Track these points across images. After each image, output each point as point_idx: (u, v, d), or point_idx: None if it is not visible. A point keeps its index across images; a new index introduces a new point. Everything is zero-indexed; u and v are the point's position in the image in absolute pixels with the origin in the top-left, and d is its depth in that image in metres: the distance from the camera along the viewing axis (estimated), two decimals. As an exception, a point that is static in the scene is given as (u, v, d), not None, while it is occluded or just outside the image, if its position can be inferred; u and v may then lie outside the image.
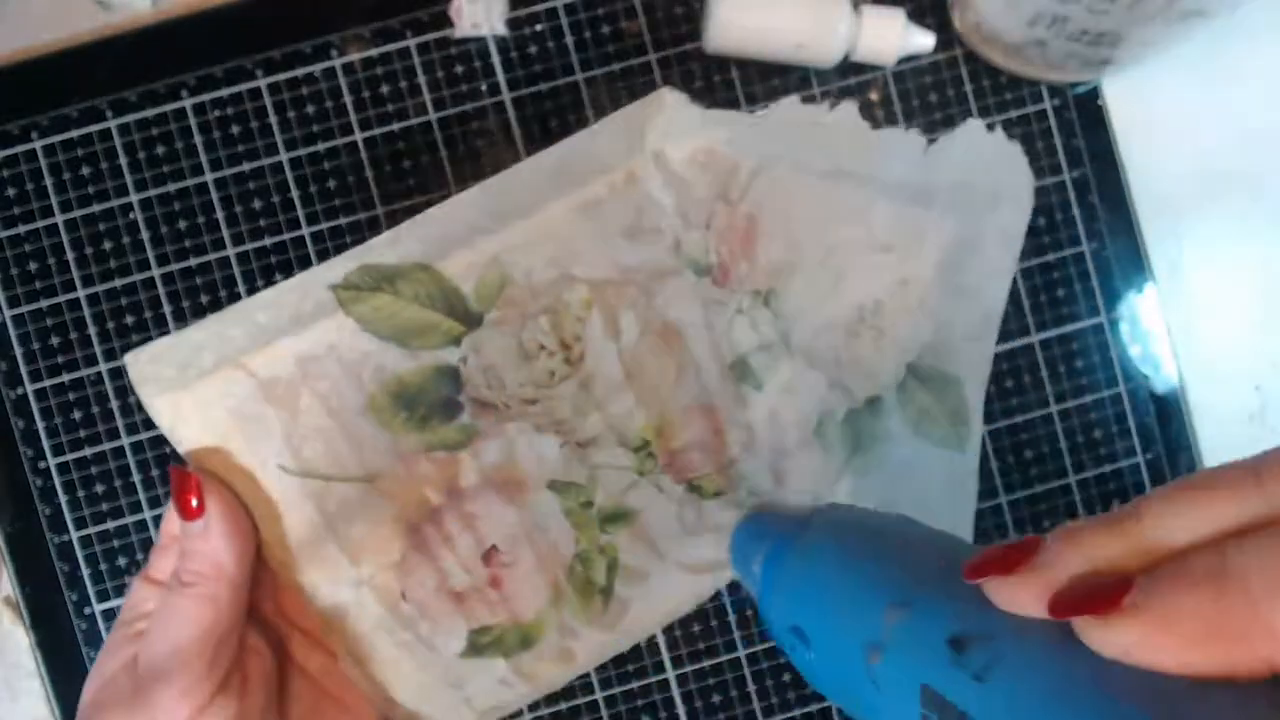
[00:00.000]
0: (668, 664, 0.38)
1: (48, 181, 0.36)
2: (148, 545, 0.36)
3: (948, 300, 0.36)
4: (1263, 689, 0.13)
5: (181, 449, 0.32)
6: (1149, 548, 0.15)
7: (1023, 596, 0.16)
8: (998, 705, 0.16)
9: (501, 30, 0.36)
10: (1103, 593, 0.15)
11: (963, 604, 0.17)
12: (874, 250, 0.35)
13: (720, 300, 0.35)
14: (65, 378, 0.36)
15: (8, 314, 0.36)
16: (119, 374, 0.36)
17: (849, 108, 0.36)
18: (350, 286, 0.31)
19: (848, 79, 0.37)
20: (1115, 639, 0.14)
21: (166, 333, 0.35)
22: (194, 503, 0.29)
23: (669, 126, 0.33)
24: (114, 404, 0.36)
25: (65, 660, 0.36)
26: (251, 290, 0.36)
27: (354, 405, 0.32)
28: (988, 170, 0.36)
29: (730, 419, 0.35)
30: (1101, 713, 0.14)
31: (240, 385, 0.31)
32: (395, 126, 0.36)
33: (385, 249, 0.31)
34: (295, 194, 0.36)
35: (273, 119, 0.36)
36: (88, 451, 0.36)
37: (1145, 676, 0.14)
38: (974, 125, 0.36)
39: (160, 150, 0.36)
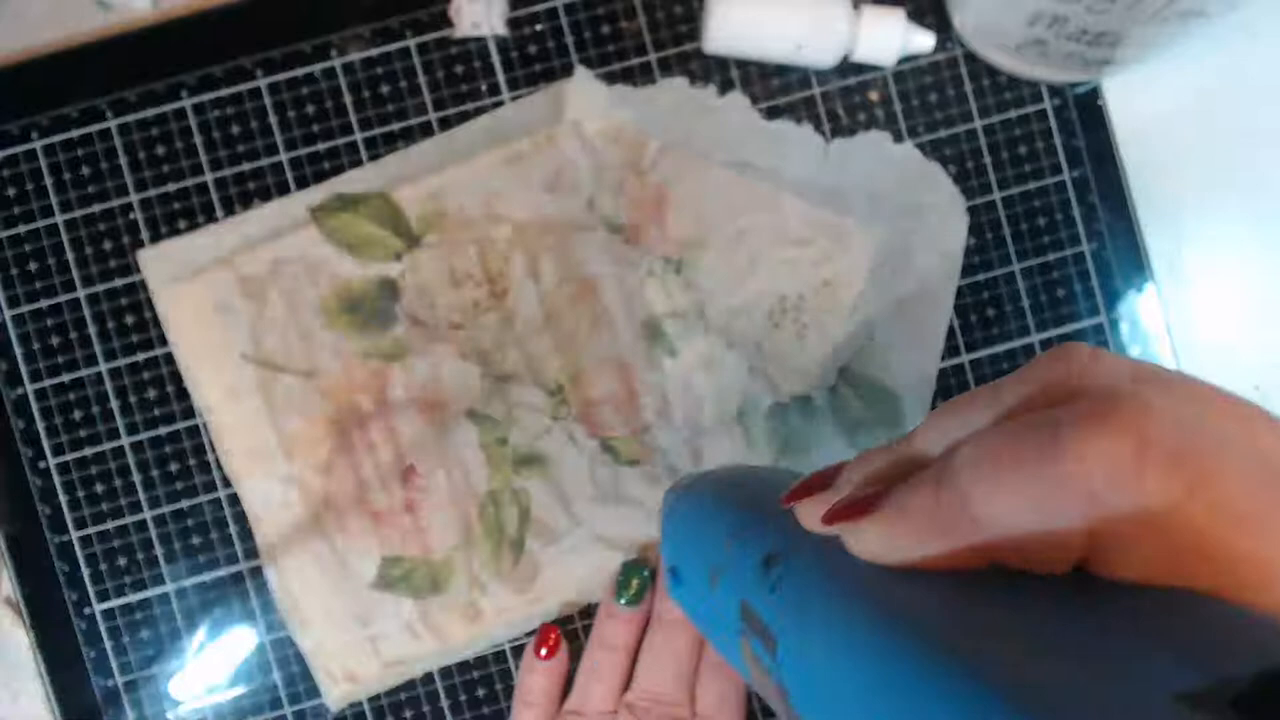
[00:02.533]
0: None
1: (48, 181, 0.36)
2: (148, 545, 0.36)
3: (884, 311, 0.37)
4: (974, 576, 0.14)
5: (170, 334, 0.36)
6: (912, 461, 0.16)
7: (814, 514, 0.17)
8: (785, 610, 0.17)
9: (501, 30, 0.36)
10: (860, 502, 0.16)
11: (778, 530, 0.19)
12: (788, 242, 0.37)
13: (632, 260, 0.37)
14: (65, 378, 0.36)
15: (8, 314, 0.36)
16: (119, 374, 0.36)
17: (737, 97, 0.37)
18: (323, 207, 0.36)
19: (848, 79, 0.37)
20: (863, 540, 0.16)
21: (165, 334, 0.36)
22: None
23: (582, 102, 0.36)
24: (114, 404, 0.36)
25: (65, 660, 0.36)
26: (251, 290, 0.36)
27: (310, 303, 0.36)
28: (903, 184, 0.37)
29: (643, 381, 0.37)
30: (851, 609, 0.15)
31: (224, 280, 0.36)
32: (395, 126, 0.36)
33: (354, 180, 0.36)
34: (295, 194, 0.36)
35: (273, 119, 0.36)
36: (88, 451, 0.36)
37: (883, 574, 0.15)
38: (877, 136, 0.37)
39: (160, 150, 0.36)
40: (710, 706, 0.35)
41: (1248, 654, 0.10)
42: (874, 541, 0.16)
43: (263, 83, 0.36)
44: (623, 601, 0.35)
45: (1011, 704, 0.11)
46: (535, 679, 0.36)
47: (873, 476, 0.17)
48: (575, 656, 0.36)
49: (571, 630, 0.37)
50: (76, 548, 0.36)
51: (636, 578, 0.35)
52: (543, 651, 0.36)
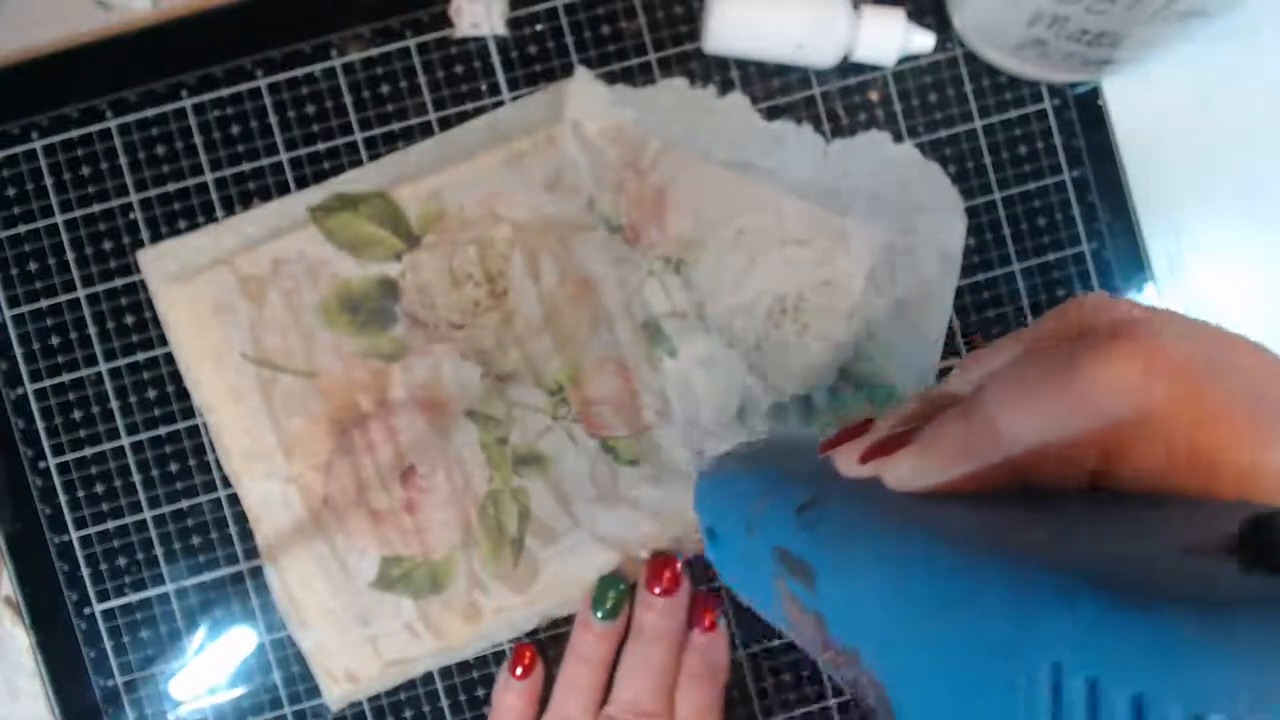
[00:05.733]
0: (668, 664, 0.38)
1: (48, 181, 0.36)
2: (148, 545, 0.36)
3: (884, 311, 0.37)
4: (998, 495, 0.16)
5: (170, 334, 0.36)
6: (942, 401, 0.18)
7: (851, 457, 0.19)
8: (822, 546, 0.19)
9: (501, 30, 0.36)
10: (896, 437, 0.18)
11: (811, 481, 0.21)
12: (786, 242, 0.37)
13: (632, 260, 0.37)
14: (65, 378, 0.36)
15: (8, 314, 0.36)
16: (119, 374, 0.36)
17: (737, 97, 0.37)
18: (322, 207, 0.36)
19: (848, 79, 0.37)
20: (895, 470, 0.17)
21: (165, 334, 0.36)
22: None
23: (582, 101, 0.36)
24: (114, 404, 0.36)
25: (65, 660, 0.36)
26: (251, 290, 0.36)
27: (310, 303, 0.36)
28: (904, 184, 0.37)
29: (643, 381, 0.37)
30: (886, 531, 0.17)
31: (224, 280, 0.36)
32: (395, 126, 0.36)
33: (353, 180, 0.36)
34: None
35: (273, 119, 0.36)
36: (88, 451, 0.36)
37: (918, 500, 0.17)
38: (877, 136, 0.37)
39: (160, 150, 0.36)
40: (689, 715, 0.35)
41: (1236, 516, 0.12)
42: (908, 470, 0.17)
43: (263, 83, 0.36)
44: (599, 615, 0.35)
45: (1048, 569, 0.12)
46: (510, 698, 0.36)
47: (906, 417, 0.18)
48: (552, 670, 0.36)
49: (536, 649, 0.37)
50: (76, 548, 0.36)
51: (613, 591, 0.35)
52: (518, 671, 0.36)
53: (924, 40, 0.36)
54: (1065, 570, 0.12)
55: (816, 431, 0.26)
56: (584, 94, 0.36)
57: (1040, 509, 0.15)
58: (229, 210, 0.36)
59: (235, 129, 0.36)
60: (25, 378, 0.36)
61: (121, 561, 0.36)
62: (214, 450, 0.36)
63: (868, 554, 0.17)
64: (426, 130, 0.37)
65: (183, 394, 0.36)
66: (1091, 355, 0.14)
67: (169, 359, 0.36)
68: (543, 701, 0.36)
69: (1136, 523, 0.13)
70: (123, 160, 0.36)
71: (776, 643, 0.38)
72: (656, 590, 0.35)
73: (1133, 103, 0.38)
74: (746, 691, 0.38)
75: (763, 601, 0.23)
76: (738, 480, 0.26)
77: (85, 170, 0.36)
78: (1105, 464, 0.15)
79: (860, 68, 0.37)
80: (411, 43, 0.36)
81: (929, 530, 0.15)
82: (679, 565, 0.36)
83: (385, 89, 0.36)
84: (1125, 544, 0.13)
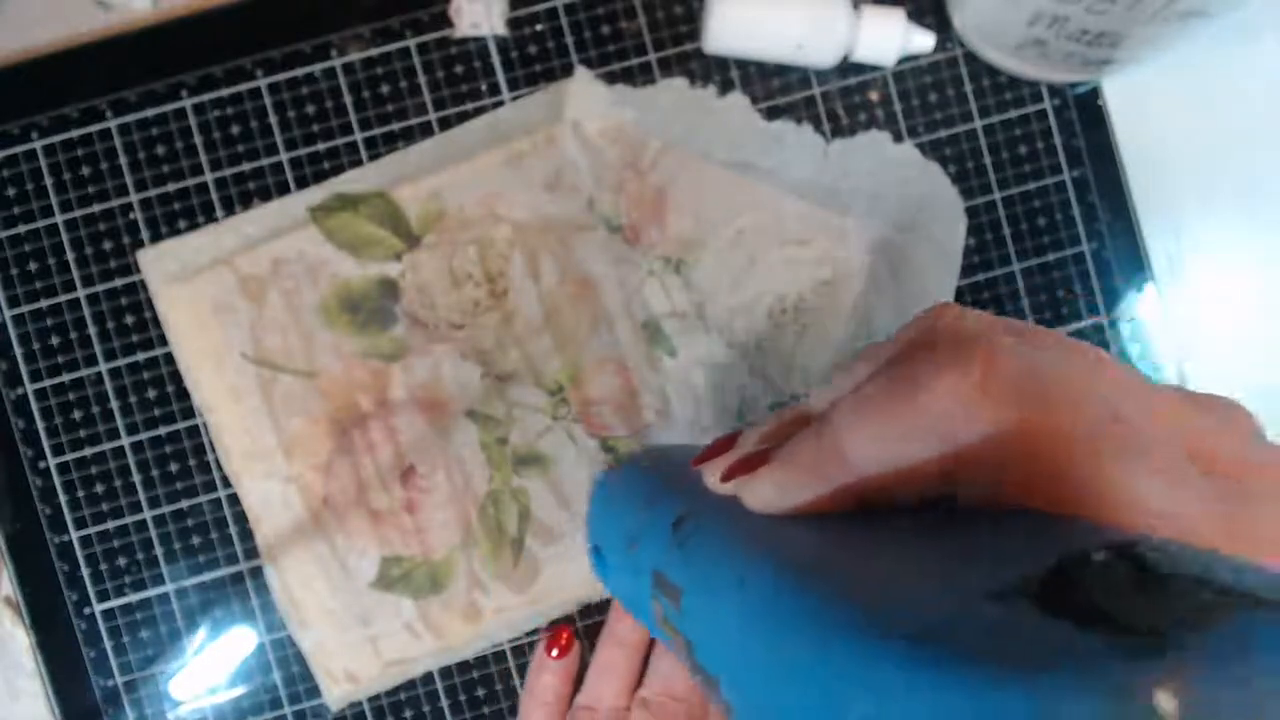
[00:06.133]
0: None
1: (48, 181, 0.36)
2: (148, 545, 0.36)
3: (885, 311, 0.37)
4: (852, 516, 0.16)
5: (170, 334, 0.36)
6: (802, 419, 0.18)
7: (716, 473, 0.19)
8: (689, 564, 0.19)
9: (501, 30, 0.36)
10: (753, 457, 0.17)
11: (688, 494, 0.21)
12: (786, 242, 0.37)
13: (632, 260, 0.37)
14: (65, 378, 0.36)
15: (8, 314, 0.36)
16: (119, 374, 0.36)
17: (737, 97, 0.37)
18: (322, 207, 0.36)
19: (848, 79, 0.37)
20: (755, 492, 0.17)
21: (165, 334, 0.36)
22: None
23: (582, 101, 0.37)
24: (114, 404, 0.36)
25: (65, 660, 0.36)
26: (251, 290, 0.36)
27: (310, 303, 0.36)
28: (905, 183, 0.37)
29: (643, 381, 0.37)
30: (740, 554, 0.16)
31: (224, 280, 0.36)
32: (395, 126, 0.36)
33: (353, 180, 0.36)
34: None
35: (273, 119, 0.36)
36: (88, 451, 0.36)
37: (775, 521, 0.17)
38: (877, 136, 0.37)
39: (160, 150, 0.36)
40: None
41: (1053, 554, 0.11)
42: (765, 490, 0.17)
43: (263, 83, 0.36)
44: None
45: (857, 612, 0.12)
46: (546, 678, 0.36)
47: (767, 435, 0.18)
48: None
49: (573, 630, 0.37)
50: (76, 548, 0.36)
51: None
52: (554, 652, 0.36)
53: (924, 40, 0.36)
54: (878, 620, 0.12)
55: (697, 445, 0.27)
56: (584, 94, 0.36)
57: (879, 534, 0.15)
58: (229, 210, 0.36)
59: (235, 129, 0.36)
60: (25, 378, 0.36)
61: (121, 561, 0.36)
62: (214, 450, 0.36)
63: (728, 577, 0.16)
64: (426, 130, 0.37)
65: (183, 394, 0.36)
66: (929, 369, 0.14)
67: (169, 359, 0.36)
68: (577, 683, 0.36)
69: (959, 554, 0.13)
70: (123, 160, 0.36)
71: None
72: None
73: (1133, 103, 0.38)
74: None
75: (647, 619, 0.22)
76: (624, 487, 0.26)
77: (85, 170, 0.36)
78: (947, 483, 0.15)
79: (860, 68, 0.37)
80: (411, 43, 0.36)
81: (776, 556, 0.15)
82: None
83: (385, 89, 0.36)
84: (935, 585, 0.12)
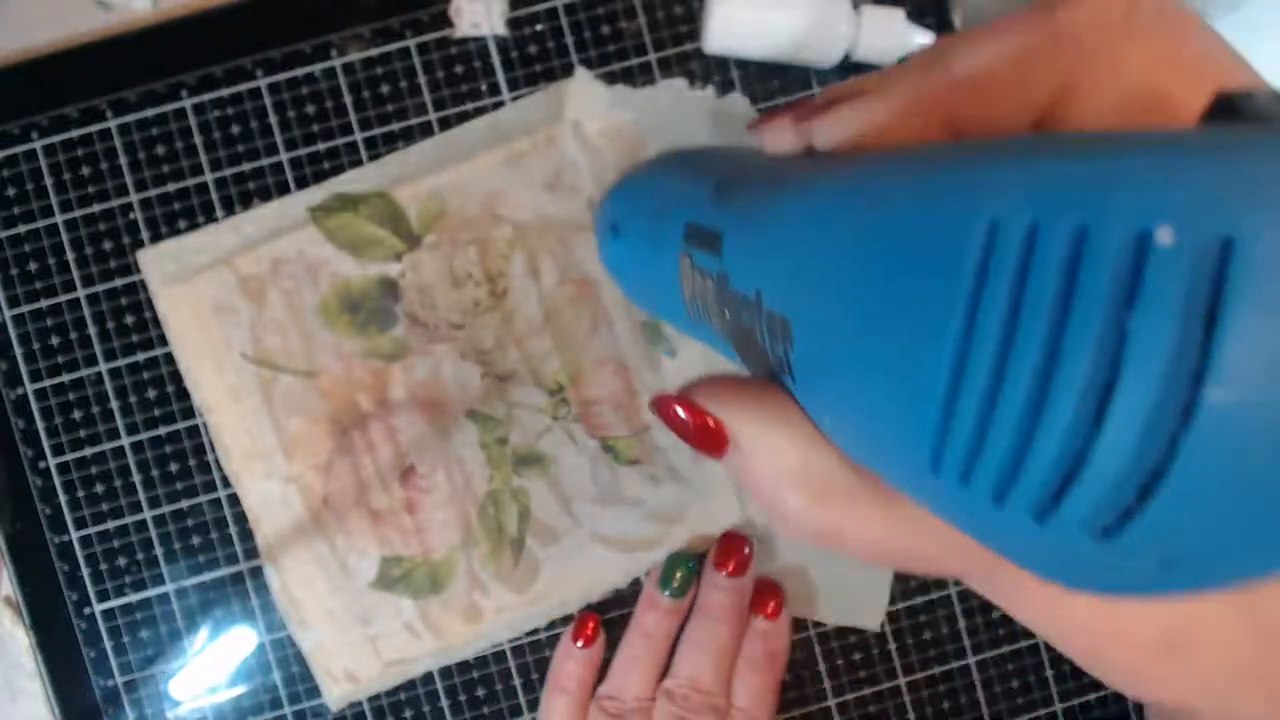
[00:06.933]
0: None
1: (48, 181, 0.36)
2: (148, 545, 0.36)
3: None
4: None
5: (170, 334, 0.36)
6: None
7: (783, 126, 0.18)
8: (733, 211, 0.19)
9: (501, 30, 0.36)
10: (840, 92, 0.16)
11: (729, 166, 0.20)
12: None
13: None
14: (65, 378, 0.36)
15: (8, 314, 0.36)
16: (119, 374, 0.36)
17: (737, 97, 0.37)
18: (322, 207, 0.36)
19: (848, 79, 0.37)
20: (837, 119, 0.16)
21: (164, 334, 0.36)
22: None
23: (582, 102, 0.37)
24: (114, 404, 0.36)
25: (65, 660, 0.36)
26: (251, 290, 0.36)
27: (310, 304, 0.36)
28: None
29: (643, 381, 0.37)
30: (791, 190, 0.16)
31: (224, 280, 0.36)
32: (395, 126, 0.36)
33: (354, 180, 0.37)
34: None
35: (273, 119, 0.36)
36: (88, 451, 0.36)
37: (833, 160, 0.16)
38: None
39: (160, 150, 0.36)
40: (746, 699, 0.35)
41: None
42: (847, 118, 0.16)
43: (263, 83, 0.36)
44: (667, 593, 0.36)
45: (988, 145, 0.12)
46: (571, 666, 0.36)
47: (839, 91, 0.17)
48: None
49: (599, 620, 0.37)
50: (76, 548, 0.36)
51: (682, 569, 0.36)
52: (579, 641, 0.36)
53: (924, 40, 0.36)
54: (1006, 146, 0.11)
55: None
56: (584, 94, 0.37)
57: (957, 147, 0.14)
58: (229, 210, 0.36)
59: (235, 129, 0.36)
60: (25, 378, 0.36)
61: (121, 561, 0.36)
62: (214, 450, 0.36)
63: (781, 202, 0.16)
64: (426, 130, 0.37)
65: (183, 394, 0.36)
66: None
67: (169, 359, 0.36)
68: (601, 672, 0.36)
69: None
70: (123, 160, 0.36)
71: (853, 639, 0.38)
72: (725, 571, 0.36)
73: (1133, 103, 0.38)
74: (816, 671, 0.38)
75: (660, 286, 0.22)
76: (655, 171, 0.26)
77: (85, 170, 0.36)
78: (1057, 102, 0.14)
79: (860, 68, 0.37)
80: (411, 43, 0.36)
81: (850, 164, 0.15)
82: (748, 549, 0.36)
83: (385, 89, 0.36)
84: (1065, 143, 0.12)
